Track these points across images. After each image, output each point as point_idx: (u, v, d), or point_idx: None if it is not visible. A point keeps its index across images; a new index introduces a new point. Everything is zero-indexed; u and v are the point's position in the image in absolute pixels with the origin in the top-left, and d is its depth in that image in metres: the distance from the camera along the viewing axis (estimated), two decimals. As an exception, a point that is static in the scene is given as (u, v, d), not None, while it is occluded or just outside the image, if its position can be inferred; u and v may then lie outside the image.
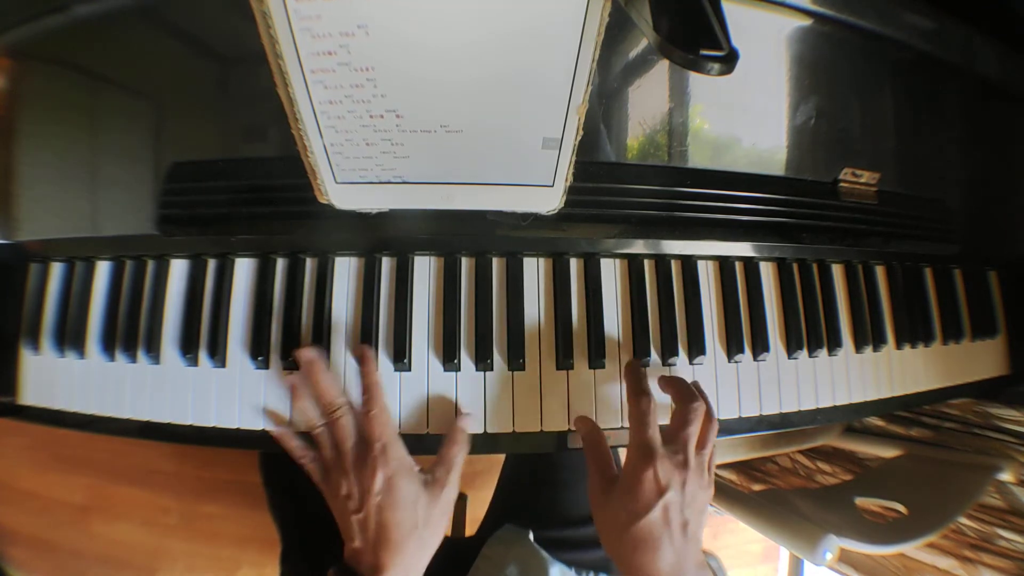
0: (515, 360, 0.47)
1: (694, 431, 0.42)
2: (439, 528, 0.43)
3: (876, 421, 0.84)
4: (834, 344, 0.53)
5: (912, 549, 0.76)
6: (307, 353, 0.44)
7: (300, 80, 0.33)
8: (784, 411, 0.52)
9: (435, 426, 0.47)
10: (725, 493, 0.72)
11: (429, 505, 0.42)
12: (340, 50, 0.31)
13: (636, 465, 0.40)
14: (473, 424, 0.46)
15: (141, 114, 0.45)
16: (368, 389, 0.43)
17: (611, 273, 0.50)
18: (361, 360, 0.45)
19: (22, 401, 0.50)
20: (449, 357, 0.47)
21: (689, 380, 0.48)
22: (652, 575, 0.38)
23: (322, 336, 0.46)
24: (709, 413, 0.44)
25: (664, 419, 0.47)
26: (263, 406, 0.46)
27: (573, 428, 0.47)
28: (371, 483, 0.40)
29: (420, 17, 0.30)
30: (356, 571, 0.40)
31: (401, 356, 0.46)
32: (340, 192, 0.41)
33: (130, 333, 0.48)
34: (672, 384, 0.46)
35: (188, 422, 0.47)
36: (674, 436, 0.42)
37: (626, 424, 0.48)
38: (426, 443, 0.46)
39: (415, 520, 0.41)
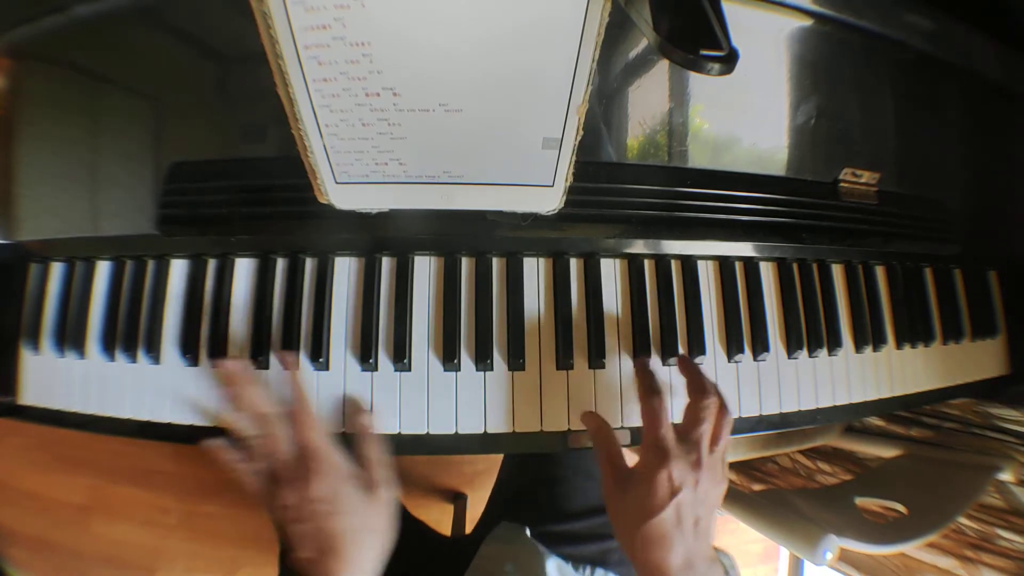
0: (515, 360, 0.47)
1: (707, 429, 0.42)
2: (385, 528, 0.43)
3: (876, 421, 0.84)
4: (834, 344, 0.53)
5: (912, 549, 0.76)
6: (233, 364, 0.43)
7: (300, 80, 0.33)
8: (784, 411, 0.52)
9: (436, 427, 0.47)
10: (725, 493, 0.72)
11: (369, 507, 0.42)
12: (335, 23, 0.30)
13: (650, 464, 0.41)
14: (371, 419, 0.45)
15: (141, 114, 0.45)
16: (297, 399, 0.43)
17: (611, 273, 0.50)
18: (287, 366, 0.44)
19: (22, 401, 0.50)
20: (449, 357, 0.47)
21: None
22: (664, 571, 0.39)
23: (322, 336, 0.46)
24: (723, 407, 0.43)
25: (677, 401, 0.48)
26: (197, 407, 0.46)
27: (580, 425, 0.47)
28: (309, 492, 0.40)
29: (418, 9, 0.30)
30: None
31: (401, 356, 0.46)
32: (340, 192, 0.41)
33: (130, 333, 0.48)
34: (688, 371, 0.46)
35: (188, 422, 0.47)
36: (687, 435, 0.42)
37: (625, 424, 0.48)
38: (427, 444, 0.46)
39: (357, 525, 0.41)
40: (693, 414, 0.43)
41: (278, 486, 0.41)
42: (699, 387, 0.44)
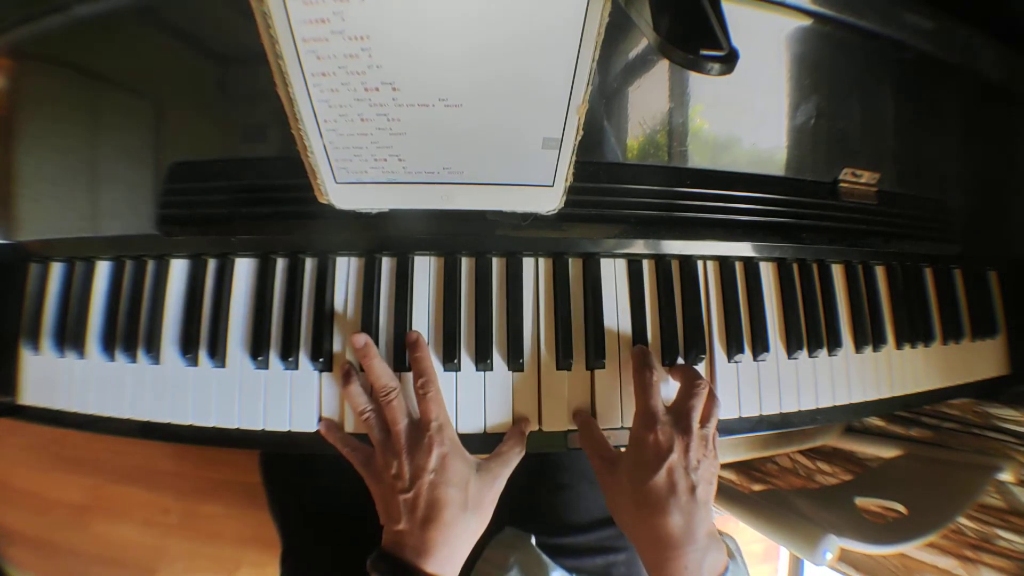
0: (515, 360, 0.47)
1: (698, 403, 0.43)
2: (484, 518, 0.43)
3: (876, 421, 0.84)
4: (834, 344, 0.53)
5: (912, 549, 0.76)
6: (360, 338, 0.45)
7: (299, 78, 0.33)
8: (784, 411, 0.52)
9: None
10: (725, 493, 0.72)
11: (480, 490, 0.42)
12: (334, 17, 0.30)
13: (639, 432, 0.42)
14: (532, 426, 0.47)
15: (141, 114, 0.45)
16: (424, 372, 0.44)
17: (611, 273, 0.50)
18: (415, 346, 0.45)
19: (22, 401, 0.50)
20: (449, 357, 0.47)
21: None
22: (662, 538, 0.38)
23: (322, 336, 0.46)
24: (712, 393, 0.45)
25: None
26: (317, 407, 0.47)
27: (573, 426, 0.47)
28: (426, 461, 0.41)
29: (418, 4, 0.30)
30: (398, 556, 0.39)
31: (401, 356, 0.46)
32: (340, 192, 0.41)
33: (130, 333, 0.48)
34: (679, 369, 0.48)
35: (188, 422, 0.47)
36: (678, 407, 0.43)
37: (626, 424, 0.48)
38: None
39: (465, 500, 0.41)
40: (684, 391, 0.44)
41: (391, 455, 0.42)
42: (691, 374, 0.45)
